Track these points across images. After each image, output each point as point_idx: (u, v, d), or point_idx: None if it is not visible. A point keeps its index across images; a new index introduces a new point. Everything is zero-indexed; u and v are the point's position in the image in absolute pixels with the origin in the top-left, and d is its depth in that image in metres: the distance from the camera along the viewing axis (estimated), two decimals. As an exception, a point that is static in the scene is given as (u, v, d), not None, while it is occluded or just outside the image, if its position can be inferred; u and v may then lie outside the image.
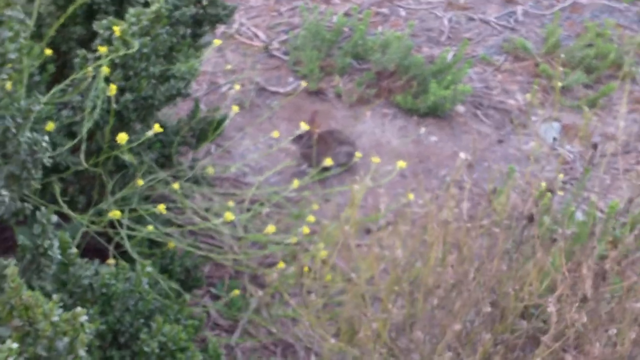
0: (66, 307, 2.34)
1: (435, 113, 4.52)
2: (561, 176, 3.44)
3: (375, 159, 3.33)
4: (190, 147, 3.66)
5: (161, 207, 2.46)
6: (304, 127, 4.19)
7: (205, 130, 3.62)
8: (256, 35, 5.22)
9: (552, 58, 4.96)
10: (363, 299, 2.10)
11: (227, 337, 3.31)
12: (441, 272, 1.97)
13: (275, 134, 3.36)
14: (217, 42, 2.98)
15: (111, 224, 2.92)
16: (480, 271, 1.96)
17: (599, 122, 4.51)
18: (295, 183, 2.84)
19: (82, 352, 1.76)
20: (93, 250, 3.10)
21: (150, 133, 2.50)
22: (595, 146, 2.59)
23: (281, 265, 2.68)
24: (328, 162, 3.00)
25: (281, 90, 4.73)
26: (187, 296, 2.45)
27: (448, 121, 4.53)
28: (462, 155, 3.01)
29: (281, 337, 3.16)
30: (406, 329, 2.05)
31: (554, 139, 4.36)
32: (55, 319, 1.74)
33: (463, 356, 1.92)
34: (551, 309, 1.80)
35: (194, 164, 3.61)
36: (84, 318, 1.76)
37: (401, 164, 2.75)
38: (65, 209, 2.57)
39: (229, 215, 2.45)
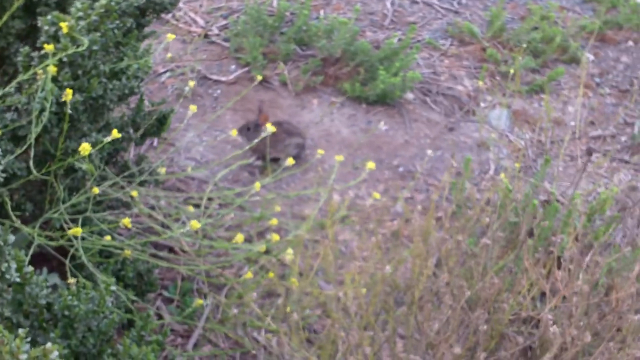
0: (19, 326, 2.18)
1: (384, 101, 4.42)
2: (517, 165, 3.39)
3: (321, 151, 3.22)
4: (134, 142, 3.49)
5: (126, 221, 2.30)
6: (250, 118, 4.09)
7: (151, 125, 3.45)
8: (194, 21, 5.03)
9: (498, 42, 4.91)
10: (346, 315, 1.99)
11: (183, 342, 3.18)
12: (433, 288, 1.87)
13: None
14: (170, 36, 2.80)
15: (61, 231, 2.74)
16: (473, 287, 1.88)
17: (546, 108, 4.47)
18: (257, 185, 2.70)
19: (52, 390, 1.61)
20: (38, 257, 2.92)
21: (108, 139, 2.32)
22: (590, 152, 2.53)
23: (249, 275, 2.54)
24: (290, 161, 2.85)
25: (223, 78, 4.57)
26: (151, 311, 2.30)
27: (397, 109, 4.43)
28: (429, 152, 2.95)
29: (240, 341, 3.03)
30: (393, 348, 1.96)
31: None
32: (23, 357, 1.59)
33: (459, 376, 1.84)
34: (551, 326, 1.72)
35: (140, 161, 3.44)
36: (54, 355, 1.60)
37: (370, 165, 2.63)
38: (18, 223, 2.38)
39: (195, 224, 2.30)
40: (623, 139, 4.31)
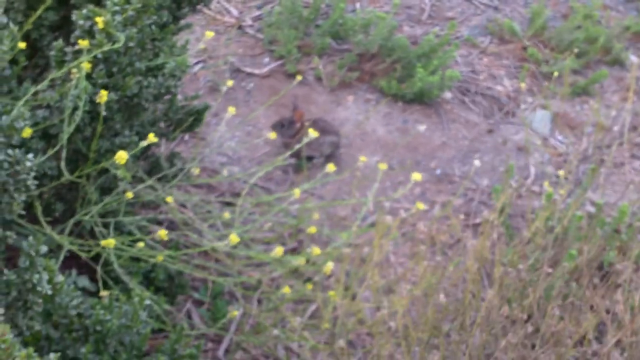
0: (51, 341, 2.08)
1: (422, 99, 4.29)
2: (562, 173, 3.26)
3: (363, 158, 3.10)
4: (166, 137, 3.39)
5: (162, 233, 2.19)
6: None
7: (183, 120, 3.34)
8: (227, 11, 4.91)
9: (539, 41, 4.76)
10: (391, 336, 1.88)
11: (213, 347, 3.08)
12: (489, 318, 1.75)
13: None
14: (209, 34, 2.67)
15: (91, 234, 2.65)
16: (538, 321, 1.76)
17: (591, 111, 4.33)
18: (297, 192, 2.58)
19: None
20: (67, 258, 2.83)
21: (144, 143, 2.21)
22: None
23: (287, 290, 2.43)
24: (331, 168, 2.74)
25: (257, 71, 4.45)
26: (185, 324, 2.20)
27: (435, 108, 4.30)
28: (477, 162, 2.82)
29: (273, 351, 2.93)
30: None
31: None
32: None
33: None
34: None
35: (172, 158, 3.33)
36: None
37: (416, 176, 2.50)
38: (49, 230, 2.28)
39: (234, 238, 2.19)
40: (669, 146, 4.16)
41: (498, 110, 4.34)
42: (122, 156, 2.07)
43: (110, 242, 2.16)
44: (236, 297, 3.22)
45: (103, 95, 2.16)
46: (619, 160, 4.10)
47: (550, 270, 1.89)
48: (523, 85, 4.27)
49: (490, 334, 1.87)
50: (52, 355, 1.50)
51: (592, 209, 3.52)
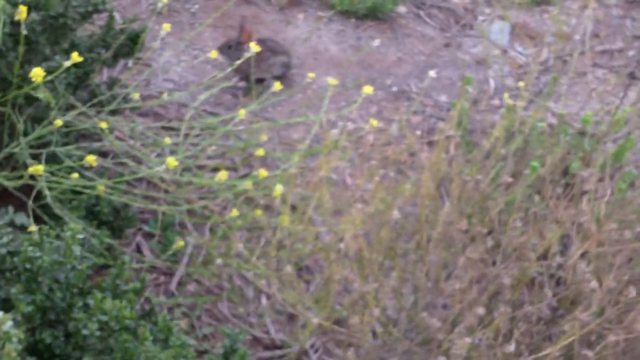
0: (-21, 282, 1.93)
1: (375, 15, 4.11)
2: (522, 84, 3.13)
3: (311, 75, 2.94)
4: (106, 64, 3.19)
5: (90, 159, 2.03)
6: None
7: (122, 45, 3.14)
8: None
9: (495, -52, 4.57)
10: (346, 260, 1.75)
11: (166, 280, 2.95)
12: (448, 234, 1.63)
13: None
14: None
15: (25, 169, 2.47)
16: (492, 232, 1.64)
17: (551, 21, 4.18)
18: (242, 113, 2.43)
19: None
20: (3, 193, 2.66)
21: (67, 63, 2.03)
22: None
23: (235, 213, 2.29)
24: (277, 86, 2.57)
25: (202, -8, 4.23)
26: (127, 257, 2.05)
27: (389, 23, 4.13)
28: (432, 73, 2.67)
29: (228, 282, 2.80)
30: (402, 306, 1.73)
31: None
32: (-30, 329, 1.34)
33: (479, 336, 1.62)
34: (589, 281, 1.49)
35: (112, 85, 3.14)
36: (8, 325, 1.36)
37: (367, 89, 2.35)
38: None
39: (172, 162, 2.03)
40: (631, 53, 4.04)
41: (455, 23, 4.18)
42: (38, 73, 1.88)
43: (38, 168, 2.00)
44: (187, 229, 3.08)
45: (22, 12, 1.97)
46: (581, 70, 3.97)
47: (511, 179, 1.77)
48: (479, -6, 4.11)
49: (450, 252, 1.75)
50: (0, 313, 1.35)
51: (554, 120, 3.41)
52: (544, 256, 1.75)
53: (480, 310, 1.56)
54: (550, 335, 1.80)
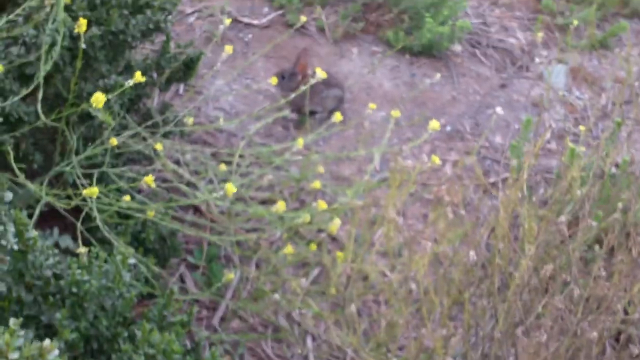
0: (22, 304, 1.84)
1: (430, 52, 4.02)
2: (582, 128, 3.02)
3: (372, 105, 2.86)
4: (159, 88, 3.12)
5: (148, 180, 1.94)
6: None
7: (177, 69, 3.07)
8: (224, -43, 4.61)
9: (554, -9, 4.48)
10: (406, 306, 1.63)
11: (208, 314, 2.84)
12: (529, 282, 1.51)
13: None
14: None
15: (74, 188, 2.39)
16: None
17: (609, 65, 4.07)
18: (300, 142, 2.33)
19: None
20: (49, 214, 2.57)
21: (129, 82, 1.95)
22: None
23: (289, 250, 2.18)
24: (338, 117, 2.48)
25: (256, 22, 4.17)
26: (175, 288, 1.95)
27: (444, 61, 4.04)
28: (499, 110, 2.56)
29: (273, 319, 2.68)
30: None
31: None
32: (13, 356, 1.23)
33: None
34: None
35: (164, 110, 3.07)
36: (54, 354, 1.25)
37: (434, 124, 2.25)
38: (22, 177, 2.03)
39: (230, 188, 1.94)
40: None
41: (511, 64, 4.08)
42: (99, 98, 1.80)
43: (93, 190, 1.91)
44: (233, 262, 2.97)
45: (82, 24, 1.89)
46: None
47: (594, 224, 1.65)
48: (540, 35, 4.00)
49: (522, 299, 1.63)
50: (12, 320, 1.25)
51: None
52: (624, 310, 1.63)
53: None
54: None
